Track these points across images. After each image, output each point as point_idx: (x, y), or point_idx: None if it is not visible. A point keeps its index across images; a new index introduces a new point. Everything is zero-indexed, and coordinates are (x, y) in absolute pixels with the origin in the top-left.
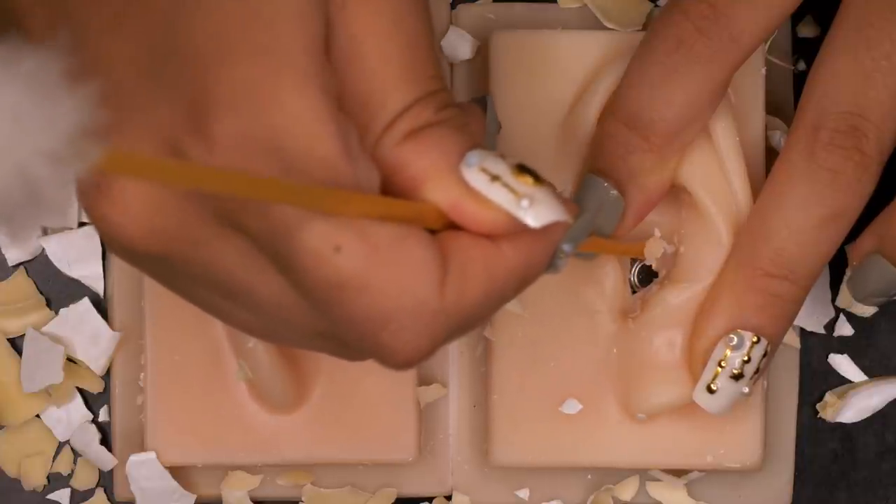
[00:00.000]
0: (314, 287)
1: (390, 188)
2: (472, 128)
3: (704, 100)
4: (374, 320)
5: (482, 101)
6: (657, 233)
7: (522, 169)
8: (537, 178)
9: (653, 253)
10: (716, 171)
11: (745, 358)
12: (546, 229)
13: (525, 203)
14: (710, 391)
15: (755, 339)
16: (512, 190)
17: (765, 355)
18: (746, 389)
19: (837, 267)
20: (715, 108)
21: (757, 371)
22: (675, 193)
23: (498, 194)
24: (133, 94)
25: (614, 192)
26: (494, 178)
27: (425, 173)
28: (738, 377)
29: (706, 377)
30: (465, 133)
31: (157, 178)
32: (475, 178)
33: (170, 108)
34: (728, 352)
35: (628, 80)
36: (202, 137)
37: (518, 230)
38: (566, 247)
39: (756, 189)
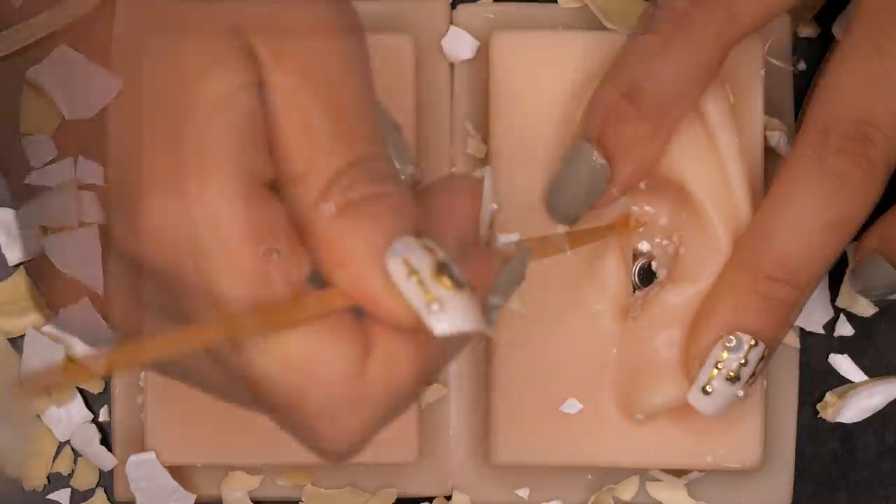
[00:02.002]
0: (244, 385)
1: (320, 257)
2: (410, 208)
3: (697, 74)
4: (297, 416)
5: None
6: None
7: (443, 269)
8: (456, 282)
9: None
10: (715, 172)
11: (742, 360)
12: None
13: (435, 307)
14: (706, 392)
15: (753, 341)
16: (426, 290)
17: (762, 359)
18: (741, 392)
19: (837, 267)
20: (707, 84)
21: (753, 374)
22: (675, 193)
23: (411, 292)
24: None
25: (602, 160)
26: (413, 272)
27: (350, 256)
28: (733, 379)
29: (702, 378)
30: (400, 213)
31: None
32: (395, 269)
33: (102, 192)
34: (725, 353)
35: (625, 49)
36: (126, 225)
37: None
38: (496, 300)
39: (755, 190)
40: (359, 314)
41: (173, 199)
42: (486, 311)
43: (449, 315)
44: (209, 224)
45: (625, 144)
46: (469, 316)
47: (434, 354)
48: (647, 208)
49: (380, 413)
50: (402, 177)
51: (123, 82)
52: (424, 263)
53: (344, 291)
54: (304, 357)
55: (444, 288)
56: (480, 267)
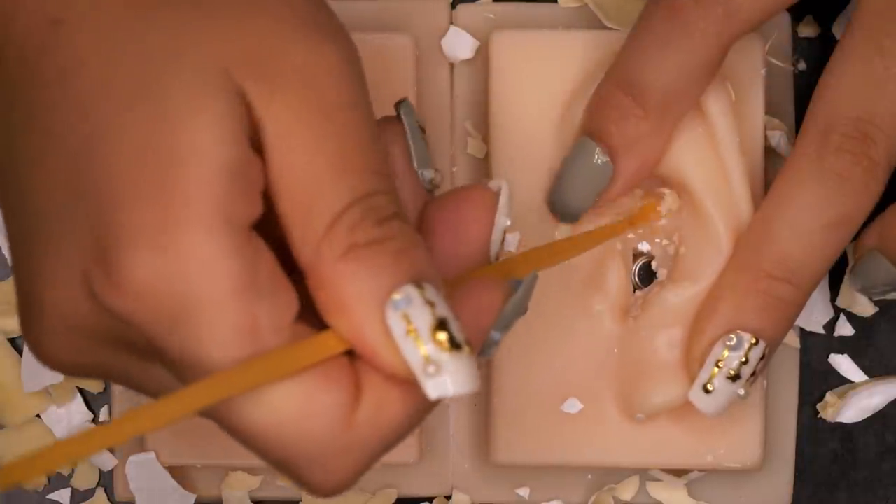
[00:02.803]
0: (232, 435)
1: (320, 298)
2: (415, 251)
3: (697, 72)
4: (286, 463)
5: (399, 108)
6: (666, 191)
7: (441, 326)
8: (454, 343)
9: (669, 206)
10: (717, 170)
11: (743, 359)
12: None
13: (431, 370)
14: (707, 391)
15: (754, 340)
16: (423, 351)
17: (762, 357)
18: (742, 391)
19: (837, 267)
20: (708, 81)
21: (754, 373)
22: (676, 192)
23: (409, 349)
24: (54, 225)
25: (605, 157)
26: (411, 330)
27: (351, 303)
28: (734, 378)
29: (703, 377)
30: (407, 259)
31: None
32: (394, 323)
33: (83, 243)
34: (726, 352)
35: (626, 46)
36: (109, 281)
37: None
38: (496, 335)
39: (755, 190)
40: (351, 353)
41: (154, 253)
42: (486, 346)
43: (444, 380)
44: (192, 279)
45: (627, 141)
46: (464, 380)
47: (422, 403)
48: (662, 190)
49: (369, 456)
50: (429, 181)
51: (96, 127)
52: (423, 320)
53: (341, 336)
54: (295, 410)
55: (441, 349)
56: (484, 303)
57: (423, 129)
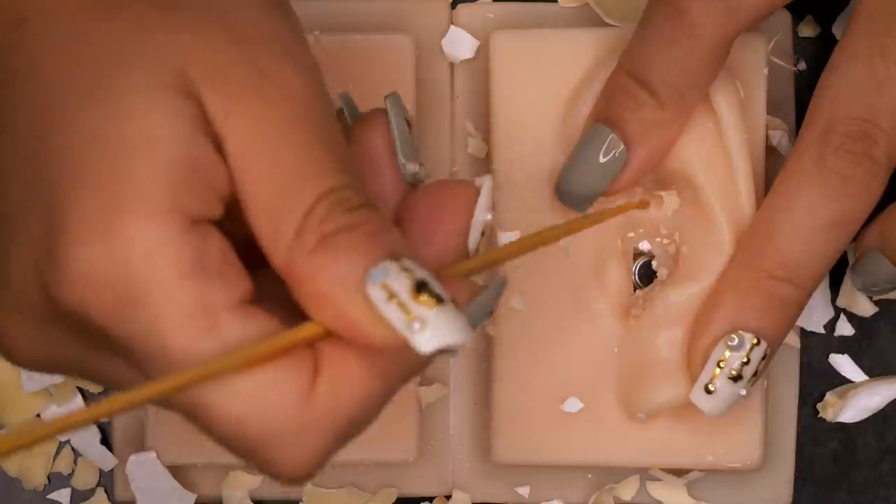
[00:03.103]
0: (192, 421)
1: (300, 294)
2: (386, 233)
3: (700, 68)
4: (248, 446)
5: (385, 100)
6: (664, 193)
7: (422, 287)
8: (436, 298)
9: (671, 205)
10: (722, 166)
11: (745, 359)
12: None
13: (416, 326)
14: (708, 392)
15: (755, 340)
16: (406, 311)
17: (764, 358)
18: (744, 392)
19: (838, 267)
20: (716, 72)
21: (755, 374)
22: (679, 191)
23: (392, 314)
24: (14, 222)
25: (620, 143)
26: (392, 295)
27: (330, 288)
28: (736, 378)
29: (704, 377)
30: (378, 239)
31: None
32: (375, 294)
33: (35, 236)
34: (727, 353)
35: (635, 37)
36: (55, 269)
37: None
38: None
39: (756, 189)
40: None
41: (100, 241)
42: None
43: (431, 333)
44: (140, 265)
45: (643, 128)
46: (452, 330)
47: (387, 378)
48: (659, 193)
49: (331, 437)
50: (412, 175)
51: (52, 122)
52: (402, 284)
53: (318, 327)
54: (254, 391)
55: (424, 306)
56: (458, 289)
57: (409, 123)
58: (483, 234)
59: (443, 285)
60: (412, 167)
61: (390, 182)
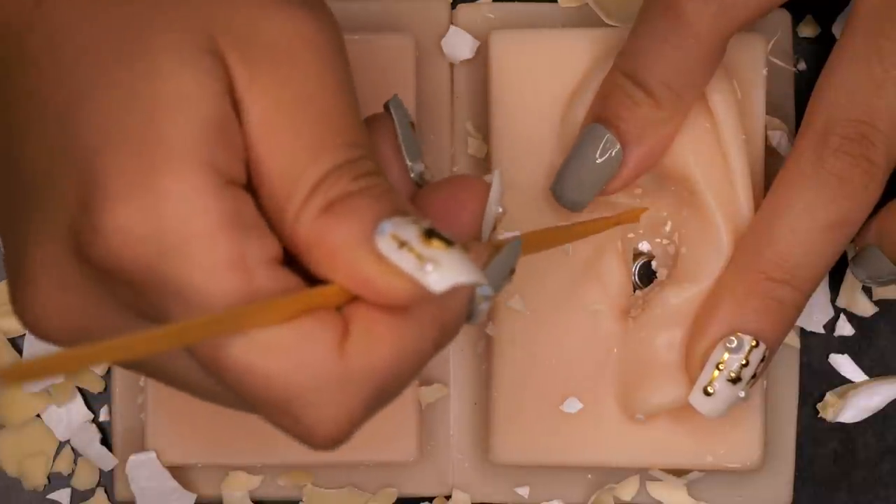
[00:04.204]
0: (221, 379)
1: (312, 261)
2: (393, 195)
3: (697, 67)
4: (279, 403)
5: (388, 104)
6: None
7: (431, 233)
8: (446, 242)
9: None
10: (720, 167)
11: (744, 361)
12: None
13: (429, 267)
14: (707, 393)
15: (754, 342)
16: (417, 255)
17: (763, 359)
18: (743, 393)
19: (837, 267)
20: (712, 71)
21: (754, 376)
22: (677, 190)
23: (403, 260)
24: (40, 188)
25: (616, 143)
26: (402, 244)
27: (339, 247)
28: (735, 380)
29: (703, 379)
30: (385, 199)
31: (59, 371)
32: (385, 245)
33: (67, 198)
34: (726, 355)
35: (631, 36)
36: (92, 227)
37: (426, 300)
38: (485, 290)
39: (755, 190)
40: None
41: (138, 195)
42: (475, 301)
43: (444, 271)
44: (179, 217)
45: (639, 128)
46: (464, 268)
47: (418, 337)
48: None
49: (366, 395)
50: (411, 174)
51: (81, 85)
52: (412, 232)
53: (339, 286)
54: (283, 342)
55: (435, 249)
56: (472, 253)
57: (412, 124)
58: (494, 227)
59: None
60: (419, 167)
61: (397, 183)
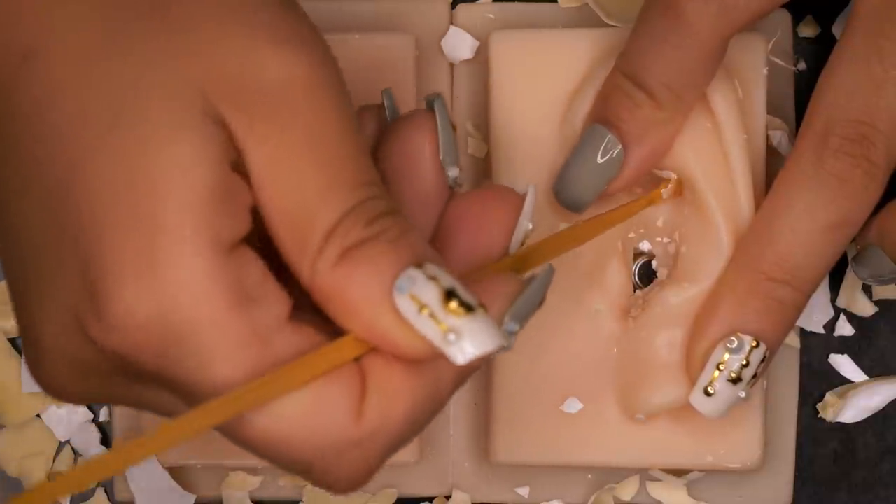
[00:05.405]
0: (244, 447)
1: (330, 311)
2: (411, 236)
3: (697, 67)
4: (301, 466)
5: (432, 104)
6: (670, 174)
7: (451, 296)
8: (466, 307)
9: (671, 191)
10: (720, 166)
11: (744, 362)
12: None
13: (451, 338)
14: (707, 394)
15: (754, 343)
16: (438, 322)
17: (763, 360)
18: (743, 394)
19: (837, 267)
20: (713, 72)
21: (755, 376)
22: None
23: (425, 326)
24: (42, 259)
25: (617, 143)
26: (423, 307)
27: (358, 303)
28: (735, 381)
29: (704, 379)
30: (402, 244)
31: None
32: (405, 306)
33: (71, 281)
34: (727, 355)
35: (632, 37)
36: (98, 316)
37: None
38: (512, 326)
39: (756, 190)
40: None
41: (143, 286)
42: (504, 337)
43: (466, 342)
44: (186, 306)
45: (640, 128)
46: (486, 337)
47: (436, 387)
48: (667, 173)
49: (382, 449)
50: (453, 179)
51: (74, 157)
52: (431, 295)
53: (358, 338)
54: (304, 411)
55: (455, 316)
56: (499, 290)
57: (454, 127)
58: (523, 243)
59: (470, 290)
60: (454, 172)
61: (434, 185)
